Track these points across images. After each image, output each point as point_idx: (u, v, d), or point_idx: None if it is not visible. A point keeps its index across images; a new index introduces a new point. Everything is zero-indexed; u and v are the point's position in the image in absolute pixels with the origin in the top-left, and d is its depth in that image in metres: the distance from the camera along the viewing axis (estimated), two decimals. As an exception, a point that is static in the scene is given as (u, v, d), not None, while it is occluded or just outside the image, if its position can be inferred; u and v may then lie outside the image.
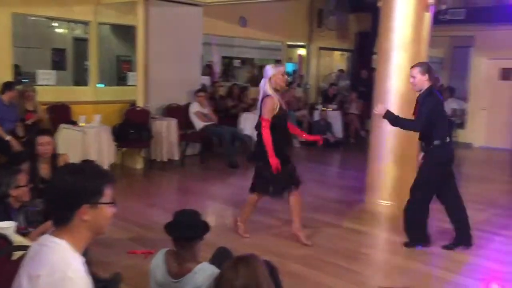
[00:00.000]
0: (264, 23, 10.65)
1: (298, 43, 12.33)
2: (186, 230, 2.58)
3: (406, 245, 4.82)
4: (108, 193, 1.67)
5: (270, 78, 4.48)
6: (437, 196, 4.74)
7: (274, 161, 4.45)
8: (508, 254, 4.78)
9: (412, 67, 4.58)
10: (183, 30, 8.72)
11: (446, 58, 13.60)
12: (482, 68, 11.30)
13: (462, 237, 4.76)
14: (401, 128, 4.79)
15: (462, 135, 11.22)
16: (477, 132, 10.86)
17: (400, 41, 5.75)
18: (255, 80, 11.84)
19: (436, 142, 4.49)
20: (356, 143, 10.26)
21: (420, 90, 4.52)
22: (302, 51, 12.56)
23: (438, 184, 4.62)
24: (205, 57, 10.66)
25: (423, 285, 4.16)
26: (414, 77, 4.49)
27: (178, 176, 7.96)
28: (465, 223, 4.75)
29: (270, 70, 4.52)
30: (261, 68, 12.83)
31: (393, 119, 4.65)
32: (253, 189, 4.87)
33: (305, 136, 5.48)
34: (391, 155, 5.91)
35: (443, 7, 5.84)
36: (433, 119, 4.42)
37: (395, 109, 5.67)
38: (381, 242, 5.30)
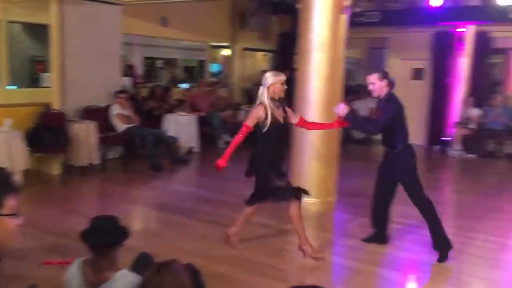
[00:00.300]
0: (186, 23, 10.52)
1: (222, 44, 12.31)
2: (103, 237, 2.47)
3: (441, 260, 4.54)
4: (9, 203, 1.54)
5: (268, 87, 4.28)
6: (376, 190, 4.81)
7: (221, 163, 4.32)
8: (425, 245, 4.96)
9: (369, 74, 4.54)
10: (101, 29, 8.41)
11: (364, 59, 14.17)
12: (396, 68, 11.86)
13: (378, 235, 4.91)
14: (359, 130, 4.75)
15: (379, 132, 11.72)
16: (392, 129, 11.34)
17: (319, 42, 5.88)
18: (178, 81, 11.70)
19: (399, 147, 4.53)
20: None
21: (380, 96, 4.52)
22: (226, 52, 12.56)
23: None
24: (127, 58, 10.37)
25: (346, 279, 4.27)
26: (373, 83, 4.47)
27: (99, 181, 7.67)
28: (385, 222, 4.90)
29: (269, 78, 4.30)
30: (186, 69, 12.80)
31: (353, 121, 4.63)
32: (250, 202, 4.61)
33: (330, 126, 5.01)
34: (314, 153, 6.03)
35: (358, 9, 6.04)
36: (394, 124, 4.46)
37: (316, 109, 5.92)
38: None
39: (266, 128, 4.26)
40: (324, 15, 5.86)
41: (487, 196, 7.20)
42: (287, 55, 12.32)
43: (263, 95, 4.29)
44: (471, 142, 10.31)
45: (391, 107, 4.44)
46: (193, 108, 9.85)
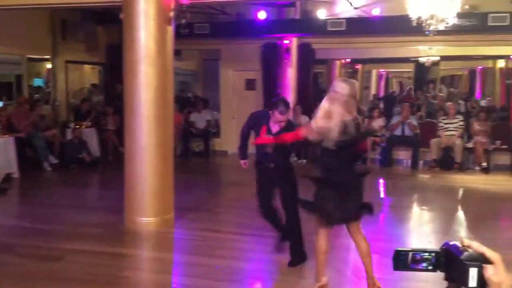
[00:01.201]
0: (-4, 34, 9.37)
1: (42, 56, 11.25)
2: None
3: (292, 264, 4.59)
4: None
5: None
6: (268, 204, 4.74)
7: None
8: (252, 252, 5.09)
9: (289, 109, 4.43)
10: None
11: (199, 71, 14.24)
12: (230, 79, 12.10)
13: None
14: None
15: (218, 144, 11.82)
16: (230, 139, 11.46)
17: (145, 54, 5.73)
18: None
19: (291, 158, 4.64)
20: (115, 160, 9.84)
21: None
22: (48, 65, 11.53)
23: None
24: None
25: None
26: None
27: None
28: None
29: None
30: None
31: None
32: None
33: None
34: (148, 170, 5.81)
35: (183, 21, 5.95)
36: None
37: (148, 123, 5.74)
38: (143, 261, 5.15)
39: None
40: (148, 26, 5.71)
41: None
42: (118, 68, 11.77)
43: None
44: (301, 148, 10.90)
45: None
46: (10, 129, 8.80)
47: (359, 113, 11.73)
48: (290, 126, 4.49)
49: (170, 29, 5.91)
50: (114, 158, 10.09)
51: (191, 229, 5.93)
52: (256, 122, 4.61)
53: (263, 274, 4.65)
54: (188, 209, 6.52)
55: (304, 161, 10.74)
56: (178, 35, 6.15)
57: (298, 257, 4.63)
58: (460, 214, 7.00)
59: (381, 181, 9.18)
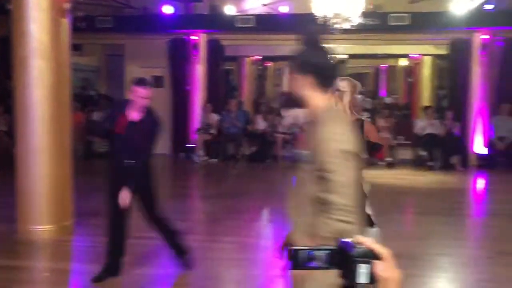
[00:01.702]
0: None
1: None
2: None
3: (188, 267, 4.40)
4: None
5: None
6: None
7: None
8: (156, 257, 4.92)
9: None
10: None
11: (102, 66, 13.52)
12: (136, 76, 11.57)
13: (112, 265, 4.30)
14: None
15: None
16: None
17: (37, 48, 5.37)
18: None
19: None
20: (7, 164, 9.03)
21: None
22: None
23: None
24: None
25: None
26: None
27: None
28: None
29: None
30: None
31: None
32: None
33: None
34: (42, 174, 5.46)
35: (80, 13, 5.58)
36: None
37: (41, 123, 5.37)
38: (38, 273, 4.83)
39: None
40: (40, 19, 5.34)
41: (229, 198, 7.51)
42: (7, 63, 10.82)
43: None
44: (212, 147, 10.74)
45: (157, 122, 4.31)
46: None
47: (271, 111, 11.78)
48: (151, 113, 4.13)
49: (65, 22, 5.62)
50: (5, 161, 9.28)
51: (92, 235, 5.62)
52: (115, 110, 4.19)
53: (169, 280, 4.52)
54: (89, 214, 6.16)
55: (216, 160, 10.58)
56: (77, 28, 5.84)
57: (187, 259, 4.42)
58: (367, 209, 7.19)
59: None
